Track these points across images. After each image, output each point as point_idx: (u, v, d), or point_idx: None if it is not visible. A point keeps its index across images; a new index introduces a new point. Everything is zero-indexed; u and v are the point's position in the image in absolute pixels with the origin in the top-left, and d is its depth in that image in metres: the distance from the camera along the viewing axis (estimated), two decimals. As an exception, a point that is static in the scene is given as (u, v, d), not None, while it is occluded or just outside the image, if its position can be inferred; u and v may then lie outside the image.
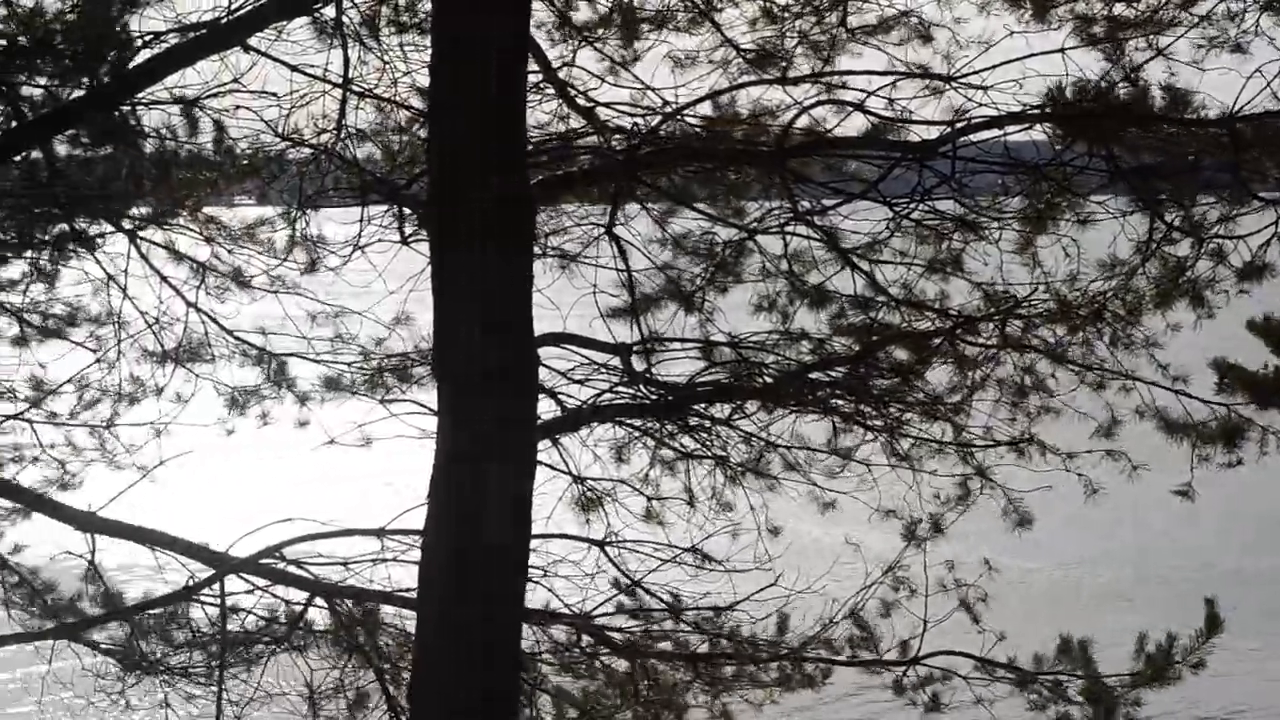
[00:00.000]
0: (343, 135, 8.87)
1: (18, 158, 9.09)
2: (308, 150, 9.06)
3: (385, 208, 8.98)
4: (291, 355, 9.96)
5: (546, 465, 8.84)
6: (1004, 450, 8.71)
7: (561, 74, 8.54)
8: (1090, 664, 9.04)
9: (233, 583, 9.36)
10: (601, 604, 9.39)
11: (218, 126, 9.23)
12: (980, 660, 9.04)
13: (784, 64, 8.37)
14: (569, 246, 8.85)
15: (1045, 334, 8.53)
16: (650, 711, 9.50)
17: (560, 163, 8.65)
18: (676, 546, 9.27)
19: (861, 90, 8.23)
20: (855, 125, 8.33)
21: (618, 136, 8.52)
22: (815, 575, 9.28)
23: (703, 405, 8.88)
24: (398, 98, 8.90)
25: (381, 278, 9.06)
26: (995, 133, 8.07)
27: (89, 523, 9.15)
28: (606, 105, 8.60)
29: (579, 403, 8.84)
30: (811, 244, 8.56)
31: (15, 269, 9.92)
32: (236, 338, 9.92)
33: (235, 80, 8.73)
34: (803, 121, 8.31)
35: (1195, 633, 8.90)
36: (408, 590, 9.22)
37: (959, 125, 8.02)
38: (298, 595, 9.44)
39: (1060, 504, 8.94)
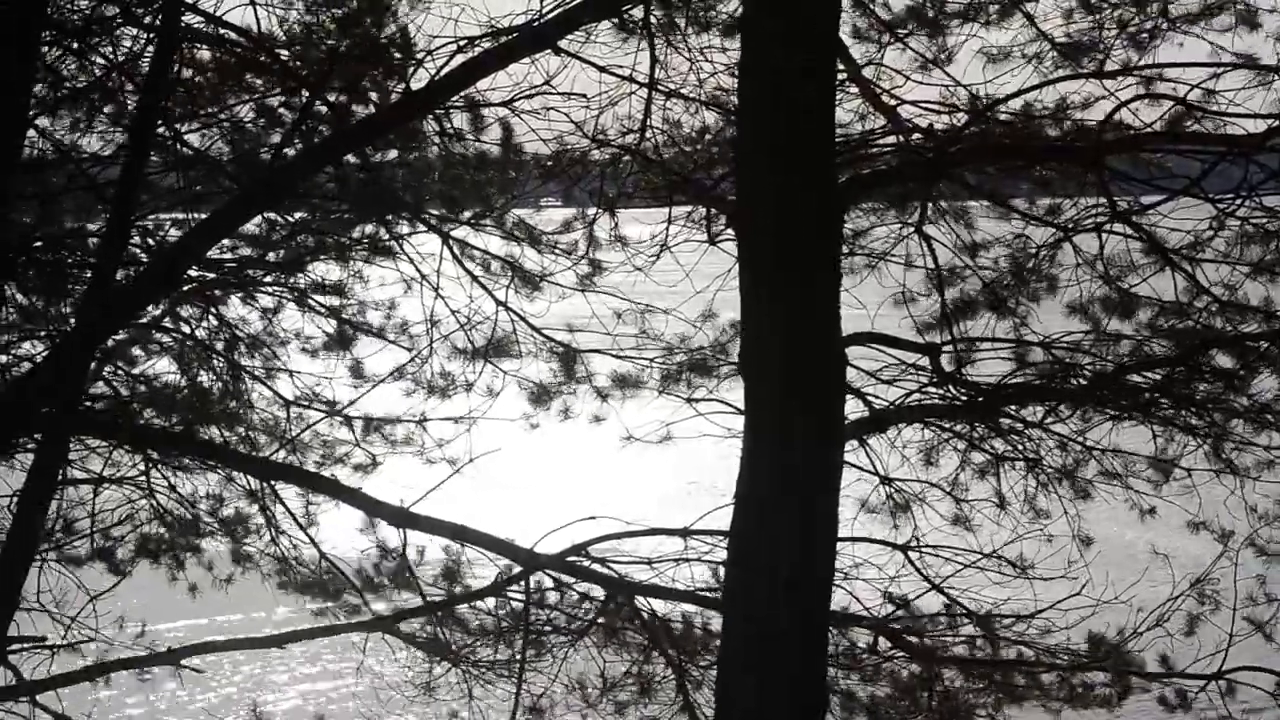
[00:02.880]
0: (649, 136, 8.94)
1: (336, 162, 9.33)
2: (615, 150, 9.14)
3: (692, 208, 9.01)
4: (595, 351, 10.04)
5: (853, 466, 8.77)
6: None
7: (867, 71, 8.44)
8: None
9: (539, 577, 9.52)
10: (900, 608, 9.27)
11: (528, 128, 9.36)
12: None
13: (1100, 56, 8.14)
14: (877, 245, 8.76)
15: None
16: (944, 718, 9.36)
17: (869, 161, 8.56)
18: (979, 552, 9.11)
19: (1183, 83, 7.97)
20: (1176, 119, 8.05)
21: (925, 134, 8.39)
22: (1126, 583, 9.02)
23: (1014, 407, 8.69)
24: (704, 97, 8.92)
25: (688, 278, 9.09)
26: (1328, 124, 7.74)
27: (402, 518, 9.34)
28: (913, 103, 8.49)
29: (887, 403, 8.74)
30: (1129, 243, 8.33)
31: (334, 270, 10.22)
32: (544, 335, 10.04)
33: (546, 82, 8.81)
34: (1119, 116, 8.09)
35: None
36: (712, 590, 9.25)
37: (1288, 118, 7.71)
38: (601, 592, 9.55)
39: None
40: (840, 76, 8.24)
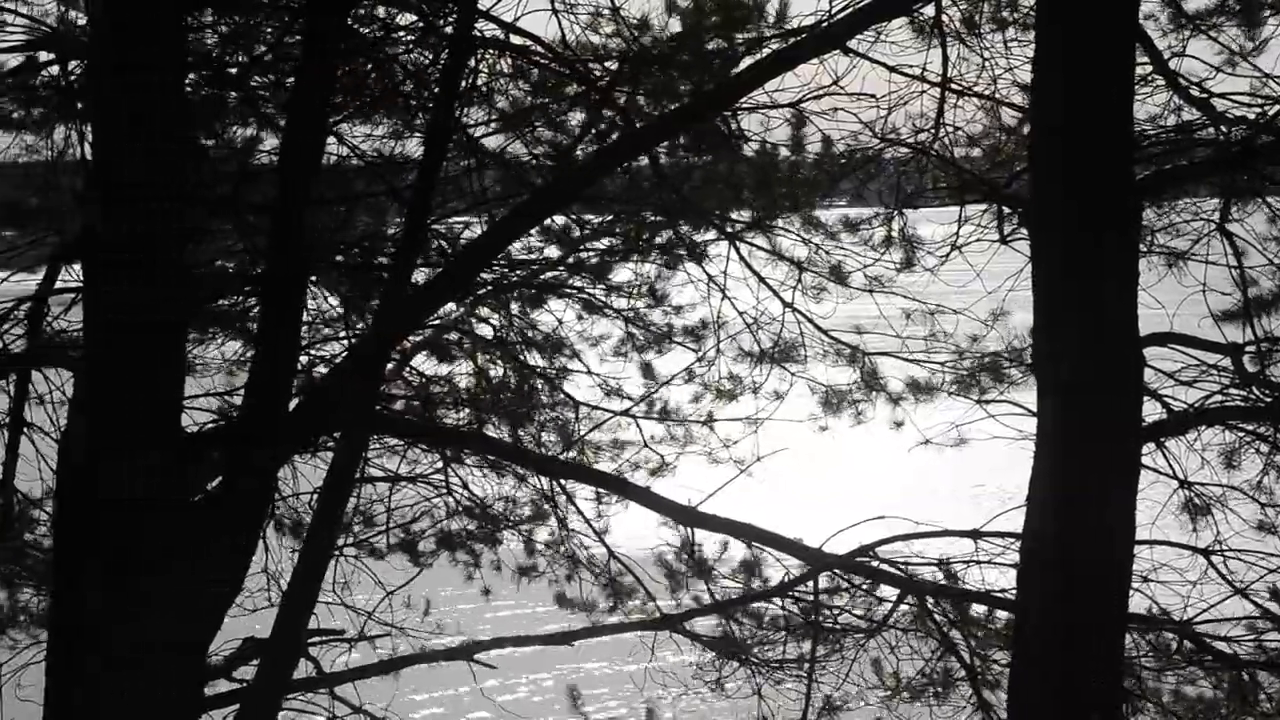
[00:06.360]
0: (941, 134, 8.87)
1: (626, 165, 9.43)
2: (905, 150, 9.10)
3: (984, 206, 8.92)
4: (884, 354, 9.99)
5: (1150, 469, 8.59)
6: None
7: (1173, 64, 8.24)
8: None
9: (826, 577, 9.53)
10: (1203, 611, 9.06)
11: (816, 129, 9.36)
12: None
13: None
14: (1177, 243, 8.56)
15: None
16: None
17: (1170, 156, 8.37)
18: (1286, 557, 8.86)
19: None
20: None
21: (1233, 128, 8.17)
22: None
23: (1323, 409, 8.43)
24: (998, 95, 8.84)
25: (979, 277, 9.01)
26: None
27: (689, 516, 9.41)
28: (1221, 96, 8.27)
29: (1186, 405, 8.54)
30: None
31: (624, 273, 10.34)
32: (831, 337, 10.02)
33: (835, 82, 8.81)
34: None
35: None
36: (1002, 591, 9.15)
37: None
38: (890, 592, 9.52)
39: None
40: (1145, 69, 8.10)
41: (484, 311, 10.41)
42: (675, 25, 9.02)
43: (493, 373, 10.49)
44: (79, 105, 9.57)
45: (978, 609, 9.49)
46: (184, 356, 7.88)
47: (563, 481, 10.04)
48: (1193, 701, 9.30)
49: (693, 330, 10.30)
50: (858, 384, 10.04)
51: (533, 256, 10.28)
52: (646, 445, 10.25)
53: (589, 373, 10.41)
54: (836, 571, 9.49)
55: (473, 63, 9.26)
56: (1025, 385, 9.19)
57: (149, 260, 7.47)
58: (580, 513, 10.12)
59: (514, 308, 10.36)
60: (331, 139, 9.49)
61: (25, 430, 9.74)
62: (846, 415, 10.17)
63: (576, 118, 9.53)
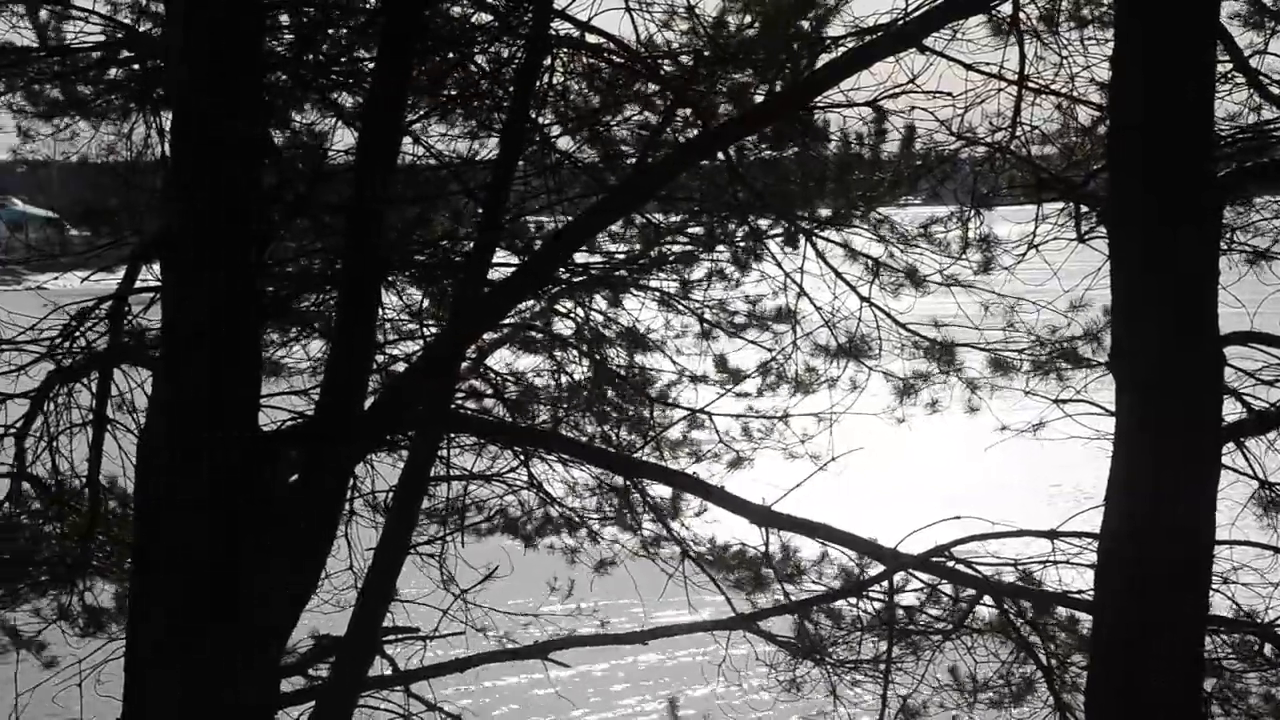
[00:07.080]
0: (1018, 133, 8.81)
1: (704, 161, 9.43)
2: (982, 149, 9.05)
3: (1061, 205, 8.85)
4: (964, 345, 9.94)
5: (1230, 469, 8.50)
6: None
7: (1253, 62, 8.16)
8: None
9: (901, 577, 9.48)
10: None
11: (894, 127, 9.33)
12: None
13: None
14: (1258, 241, 8.47)
15: None
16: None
17: (1252, 154, 8.28)
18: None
19: None
20: None
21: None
22: None
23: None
24: (1076, 93, 8.77)
25: (1056, 276, 8.95)
26: None
27: (765, 517, 9.39)
28: (1303, 94, 8.18)
29: (1267, 405, 8.45)
30: None
31: (700, 268, 10.34)
32: (909, 330, 9.98)
33: (911, 80, 8.75)
34: None
35: None
36: (1079, 592, 9.07)
37: None
38: (965, 592, 9.46)
39: None
40: (1224, 67, 8.02)
41: (562, 308, 10.43)
42: (747, 21, 9.02)
43: (571, 369, 10.52)
44: (157, 97, 9.67)
45: (1060, 610, 9.41)
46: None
47: (638, 480, 10.04)
48: (1278, 704, 9.20)
49: (769, 324, 10.30)
50: (937, 365, 9.97)
51: (614, 248, 10.31)
52: (722, 441, 10.25)
53: (676, 367, 10.42)
54: (912, 571, 9.43)
55: (548, 61, 9.30)
56: (1102, 384, 9.12)
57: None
58: (655, 510, 10.12)
59: (599, 300, 10.37)
60: (407, 139, 9.56)
61: (108, 428, 9.84)
62: (924, 398, 10.11)
63: (651, 116, 9.53)
